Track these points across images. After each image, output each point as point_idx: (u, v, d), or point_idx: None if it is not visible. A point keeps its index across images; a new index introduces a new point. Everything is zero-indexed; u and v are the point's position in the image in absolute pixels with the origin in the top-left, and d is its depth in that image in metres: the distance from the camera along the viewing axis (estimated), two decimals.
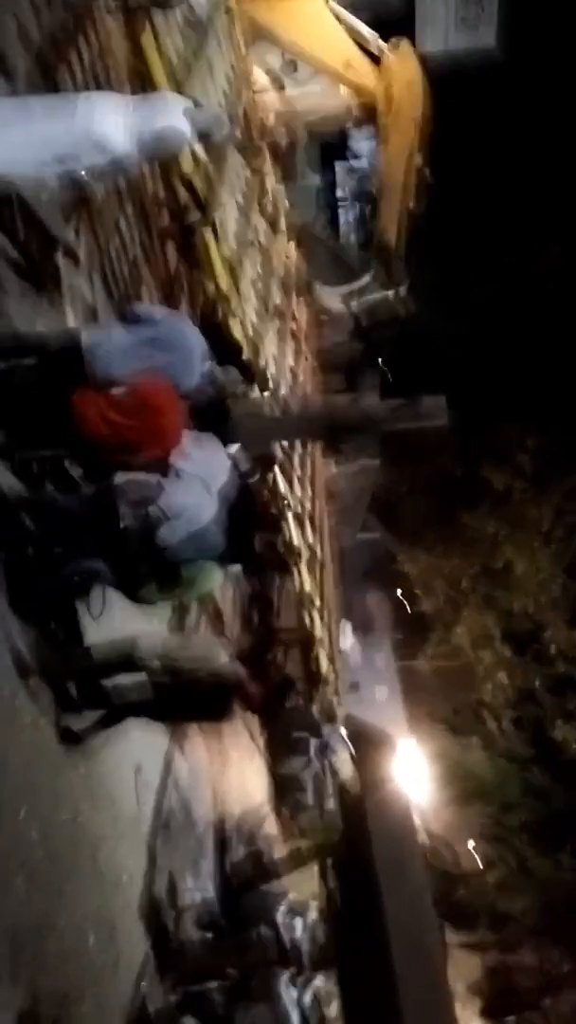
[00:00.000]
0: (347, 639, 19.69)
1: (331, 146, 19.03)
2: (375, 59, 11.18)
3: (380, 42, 11.15)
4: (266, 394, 8.34)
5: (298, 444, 10.07)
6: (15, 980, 3.69)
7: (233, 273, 7.87)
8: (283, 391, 9.58)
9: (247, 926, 7.38)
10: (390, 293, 15.01)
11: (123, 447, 3.95)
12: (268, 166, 11.33)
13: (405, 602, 23.02)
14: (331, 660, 12.71)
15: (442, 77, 12.39)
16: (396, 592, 24.09)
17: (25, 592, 4.08)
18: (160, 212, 7.31)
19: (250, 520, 5.05)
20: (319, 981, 7.42)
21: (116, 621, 4.94)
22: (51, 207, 4.86)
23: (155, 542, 4.24)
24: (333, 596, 14.38)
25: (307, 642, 11.53)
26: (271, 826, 10.28)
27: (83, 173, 3.87)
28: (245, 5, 9.80)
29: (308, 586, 10.51)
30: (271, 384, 8.98)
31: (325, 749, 11.17)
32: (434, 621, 20.66)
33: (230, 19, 9.21)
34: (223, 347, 4.99)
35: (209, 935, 6.82)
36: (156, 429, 3.94)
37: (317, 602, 11.23)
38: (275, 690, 7.09)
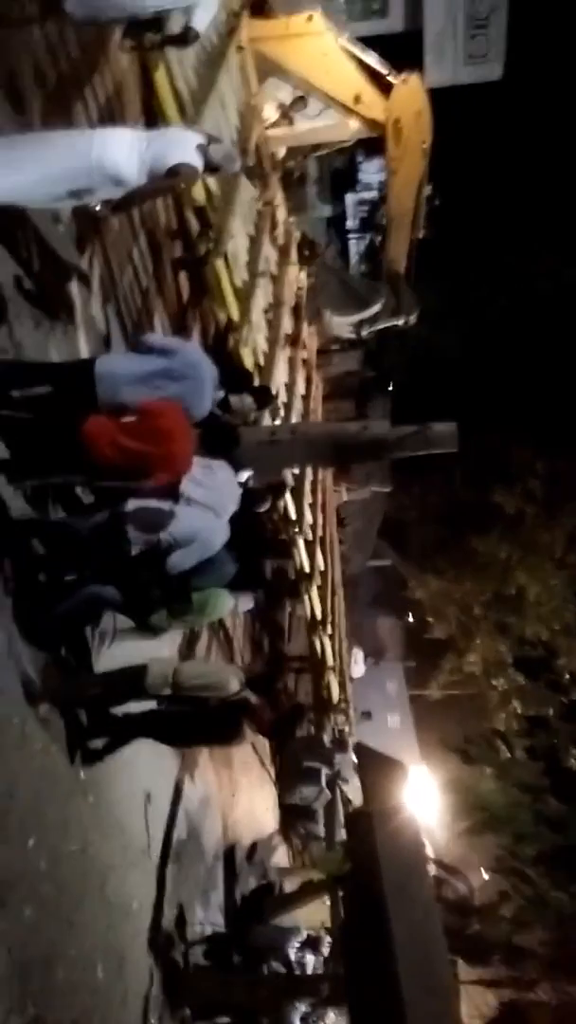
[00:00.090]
0: (359, 666, 19.59)
1: (341, 177, 19.34)
2: (384, 91, 11.35)
3: (390, 75, 11.33)
4: (277, 421, 8.39)
5: (309, 471, 10.10)
6: (23, 1011, 3.65)
7: (244, 302, 7.96)
8: (294, 418, 9.64)
9: (258, 960, 7.27)
10: (400, 321, 15.11)
11: (133, 472, 3.97)
12: (279, 198, 11.49)
13: (417, 628, 22.90)
14: (342, 687, 12.63)
15: (448, 105, 12.59)
16: (408, 618, 23.98)
17: (36, 618, 4.09)
18: (172, 243, 7.43)
19: (260, 546, 5.07)
20: (331, 1017, 7.29)
21: (127, 647, 4.94)
22: (65, 238, 4.94)
23: (166, 568, 4.25)
24: (344, 622, 14.33)
25: (318, 669, 11.48)
26: (282, 856, 10.16)
27: (97, 206, 3.94)
28: (256, 41, 10.00)
29: (319, 612, 10.49)
30: (282, 411, 9.04)
31: (336, 778, 11.06)
32: (446, 648, 20.51)
33: (241, 55, 9.39)
34: (234, 375, 5.03)
35: (219, 968, 6.72)
36: (167, 455, 3.96)
37: (328, 628, 11.19)
38: (286, 717, 7.05)
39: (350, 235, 19.91)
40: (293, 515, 8.98)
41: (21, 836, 3.83)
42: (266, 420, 7.23)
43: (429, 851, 14.32)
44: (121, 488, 4.15)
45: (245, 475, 5.13)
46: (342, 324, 15.05)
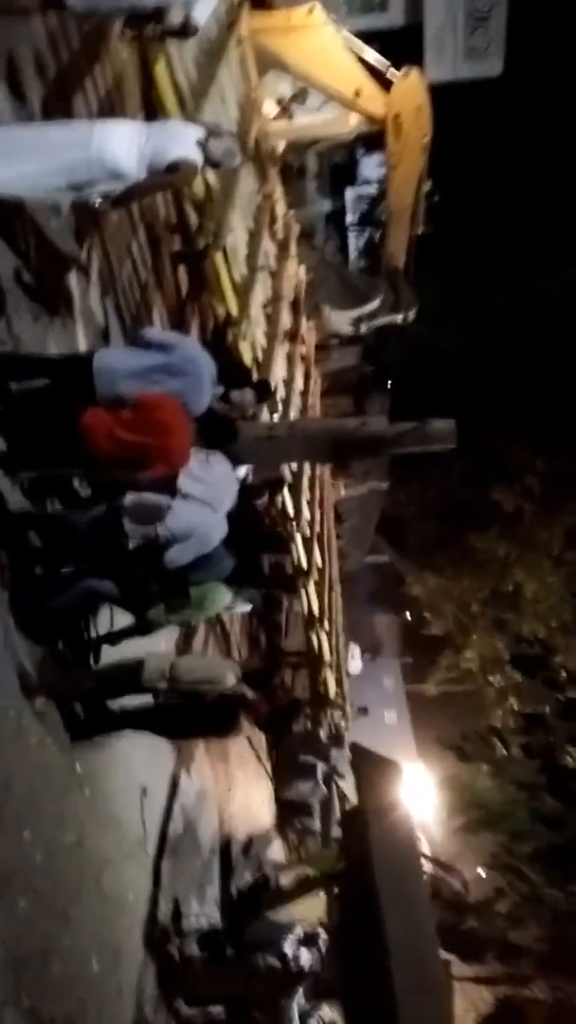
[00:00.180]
0: (356, 662, 19.63)
1: (341, 172, 19.29)
2: (385, 86, 11.32)
3: (390, 70, 11.30)
4: (275, 416, 8.38)
5: (307, 466, 10.09)
6: (17, 1003, 3.65)
7: (243, 297, 7.94)
8: (292, 413, 9.63)
9: (253, 954, 7.28)
10: (399, 317, 15.09)
11: (130, 465, 3.96)
12: (279, 192, 11.46)
13: (414, 625, 22.93)
14: (339, 683, 12.65)
15: (448, 100, 12.57)
16: (405, 615, 24.02)
17: (32, 611, 4.08)
18: (172, 237, 7.40)
19: (258, 541, 5.07)
20: (325, 1010, 7.31)
21: (123, 642, 4.94)
22: (64, 231, 4.93)
23: (163, 563, 4.25)
24: (341, 618, 14.34)
25: (315, 664, 11.49)
26: (277, 851, 10.18)
27: (96, 199, 3.92)
28: (256, 34, 9.96)
29: (316, 608, 10.49)
30: (280, 407, 9.03)
31: (332, 774, 11.08)
32: (444, 644, 20.54)
33: (242, 48, 9.35)
34: (233, 371, 5.02)
35: (214, 962, 6.73)
36: (164, 448, 3.95)
37: (325, 624, 11.20)
38: (282, 711, 7.06)
39: (350, 230, 19.87)
40: (291, 511, 8.97)
41: (16, 829, 3.83)
42: (264, 415, 7.23)
43: (424, 848, 14.36)
44: (119, 481, 4.14)
45: (243, 470, 5.12)
46: (341, 319, 15.03)
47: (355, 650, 19.48)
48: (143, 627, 4.72)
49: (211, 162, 4.10)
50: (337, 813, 11.14)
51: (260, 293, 9.16)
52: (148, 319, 6.68)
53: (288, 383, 10.03)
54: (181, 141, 3.94)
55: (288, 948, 7.39)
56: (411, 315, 15.14)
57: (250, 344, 8.05)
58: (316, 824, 11.23)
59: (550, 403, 18.58)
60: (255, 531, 5.18)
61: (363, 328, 15.42)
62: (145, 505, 4.17)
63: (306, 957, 7.69)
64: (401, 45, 13.87)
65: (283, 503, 8.72)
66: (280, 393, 9.26)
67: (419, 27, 15.71)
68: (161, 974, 5.69)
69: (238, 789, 9.07)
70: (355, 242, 19.77)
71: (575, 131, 18.22)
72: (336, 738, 11.56)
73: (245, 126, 9.24)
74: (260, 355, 8.56)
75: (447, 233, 15.54)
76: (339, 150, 16.45)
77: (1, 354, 4.06)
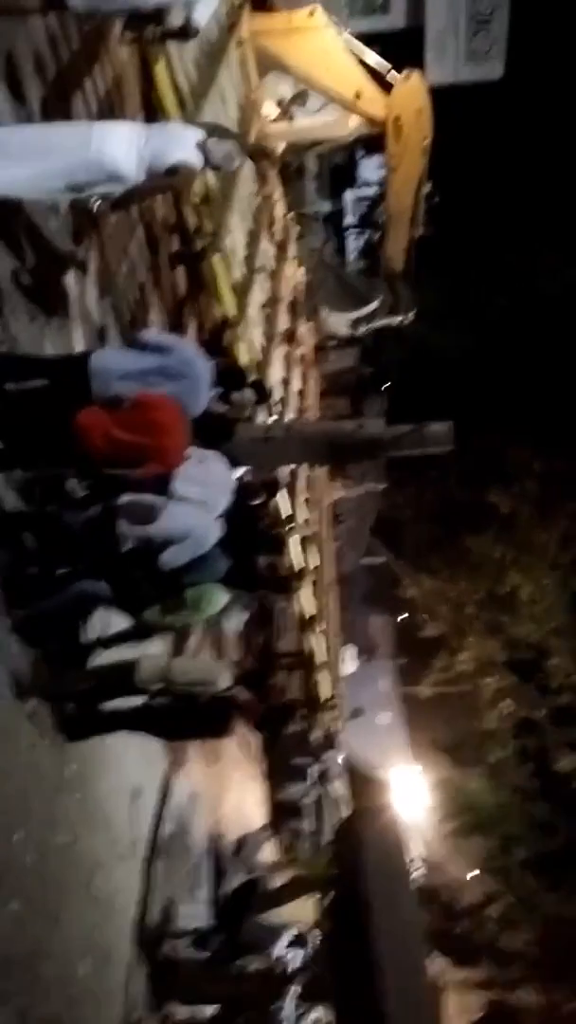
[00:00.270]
0: (350, 663, 19.60)
1: (340, 173, 19.26)
2: (385, 88, 11.32)
3: (390, 72, 11.29)
4: (272, 418, 8.37)
5: (303, 467, 10.09)
6: (6, 1005, 3.65)
7: (241, 298, 7.93)
8: (289, 415, 9.62)
9: (244, 955, 7.27)
10: (397, 319, 15.09)
11: (126, 464, 3.96)
12: (278, 193, 11.45)
13: (409, 627, 22.92)
14: (333, 685, 12.63)
15: (448, 103, 12.58)
16: (400, 617, 23.99)
17: (26, 612, 4.08)
18: (170, 237, 7.40)
19: (253, 542, 5.06)
20: (317, 1013, 7.30)
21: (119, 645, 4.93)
22: (62, 232, 4.92)
23: (158, 565, 4.24)
24: (336, 620, 14.33)
25: (308, 666, 11.48)
26: (269, 853, 10.17)
27: (94, 200, 3.92)
28: (257, 36, 9.96)
29: (310, 609, 10.48)
30: (277, 408, 9.02)
31: (325, 775, 11.07)
32: (439, 646, 20.54)
33: (242, 50, 9.35)
34: (230, 373, 5.01)
35: (205, 963, 6.73)
36: (159, 447, 3.95)
37: (319, 626, 11.19)
38: (276, 714, 7.06)
39: (349, 231, 19.85)
40: (287, 512, 8.97)
41: (7, 831, 3.83)
42: (261, 417, 7.22)
43: (417, 850, 14.36)
44: (114, 482, 4.14)
45: (240, 471, 5.11)
46: (339, 321, 15.03)
47: (350, 651, 19.46)
48: (140, 632, 4.71)
49: (210, 165, 4.09)
50: (329, 815, 11.14)
51: (258, 294, 9.15)
52: (146, 320, 6.67)
53: (286, 384, 10.02)
54: (180, 144, 3.94)
55: (279, 950, 7.39)
56: (409, 317, 15.15)
57: (248, 345, 8.05)
58: (308, 825, 11.21)
59: (547, 405, 18.60)
60: (251, 532, 5.17)
61: (361, 330, 15.43)
62: (140, 506, 4.16)
63: (297, 959, 7.69)
64: (402, 47, 13.88)
65: (279, 504, 8.72)
66: (278, 394, 9.26)
67: (420, 29, 15.73)
68: (152, 975, 5.69)
69: (230, 790, 9.07)
70: (354, 244, 19.74)
71: (574, 133, 18.26)
72: (329, 740, 11.55)
73: (245, 128, 9.23)
74: (258, 356, 8.55)
75: (446, 235, 15.51)
76: (339, 152, 16.43)
77: None
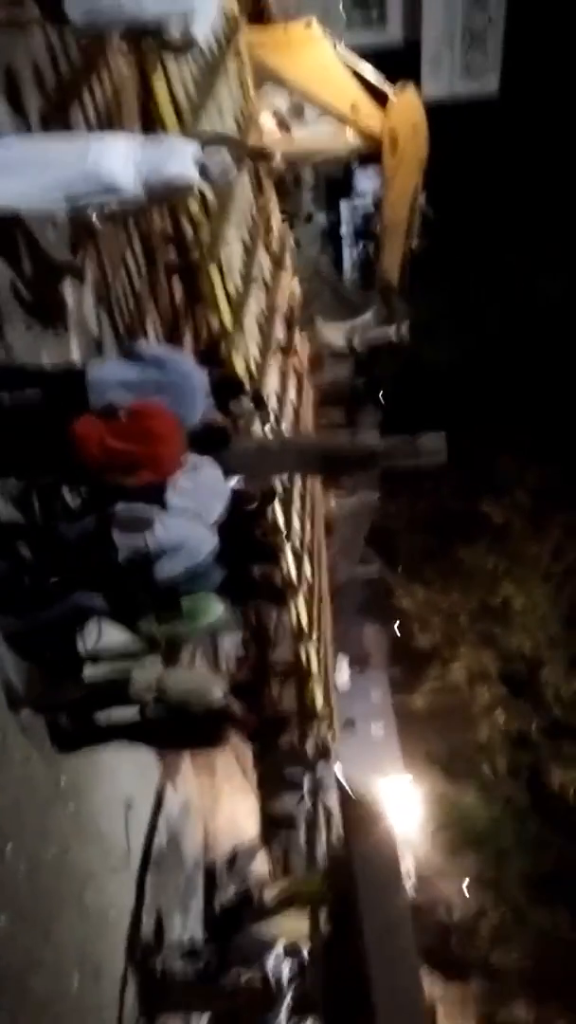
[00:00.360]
0: (343, 673, 19.56)
1: (336, 185, 19.39)
2: (381, 101, 11.40)
3: (386, 85, 11.38)
4: (267, 428, 8.38)
5: (297, 478, 10.10)
6: None
7: (237, 309, 7.96)
8: (284, 425, 9.64)
9: (236, 969, 7.23)
10: (392, 331, 15.16)
11: (120, 473, 3.96)
12: (274, 204, 11.51)
13: (402, 637, 22.91)
14: (326, 695, 12.61)
15: (443, 116, 12.70)
16: (393, 627, 23.98)
17: (20, 623, 4.06)
18: (166, 248, 7.42)
19: (248, 552, 5.05)
20: None
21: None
22: (59, 242, 4.93)
23: (153, 575, 4.24)
24: (329, 630, 14.31)
25: (302, 677, 11.46)
26: (262, 865, 10.12)
27: (92, 212, 3.93)
28: (254, 49, 10.03)
29: (304, 620, 10.47)
30: (272, 419, 9.03)
31: (319, 787, 11.02)
32: (431, 657, 20.53)
33: (239, 62, 9.41)
34: (226, 383, 5.02)
35: (197, 977, 6.68)
36: (154, 456, 3.95)
37: (313, 636, 11.17)
38: (269, 726, 7.03)
39: (344, 243, 19.97)
40: (282, 523, 8.97)
41: None
42: (256, 428, 7.23)
43: (409, 865, 14.30)
44: (108, 492, 4.13)
45: (234, 481, 5.11)
46: (334, 332, 15.08)
47: (343, 662, 19.43)
48: (134, 642, 4.70)
49: (207, 178, 4.11)
50: (323, 827, 11.09)
51: (254, 305, 9.18)
52: (142, 330, 6.68)
53: (281, 395, 10.04)
54: (177, 157, 3.96)
55: (271, 964, 7.34)
56: (404, 329, 15.21)
57: (243, 356, 8.07)
58: (301, 837, 11.15)
59: (540, 417, 18.68)
60: (246, 541, 5.17)
61: (356, 341, 15.48)
62: (134, 515, 4.15)
63: (289, 973, 7.64)
64: (398, 61, 14.01)
65: (273, 514, 8.72)
66: (272, 405, 9.27)
67: (416, 44, 15.91)
68: (143, 989, 5.65)
69: (223, 802, 9.02)
70: (349, 255, 19.84)
71: (570, 148, 18.41)
72: (323, 752, 11.51)
73: (242, 138, 9.27)
74: (253, 367, 8.57)
75: (441, 247, 15.62)
76: (335, 163, 16.54)
77: None
